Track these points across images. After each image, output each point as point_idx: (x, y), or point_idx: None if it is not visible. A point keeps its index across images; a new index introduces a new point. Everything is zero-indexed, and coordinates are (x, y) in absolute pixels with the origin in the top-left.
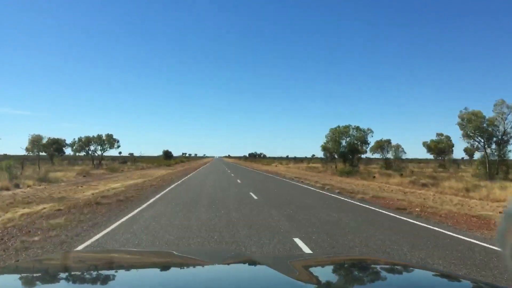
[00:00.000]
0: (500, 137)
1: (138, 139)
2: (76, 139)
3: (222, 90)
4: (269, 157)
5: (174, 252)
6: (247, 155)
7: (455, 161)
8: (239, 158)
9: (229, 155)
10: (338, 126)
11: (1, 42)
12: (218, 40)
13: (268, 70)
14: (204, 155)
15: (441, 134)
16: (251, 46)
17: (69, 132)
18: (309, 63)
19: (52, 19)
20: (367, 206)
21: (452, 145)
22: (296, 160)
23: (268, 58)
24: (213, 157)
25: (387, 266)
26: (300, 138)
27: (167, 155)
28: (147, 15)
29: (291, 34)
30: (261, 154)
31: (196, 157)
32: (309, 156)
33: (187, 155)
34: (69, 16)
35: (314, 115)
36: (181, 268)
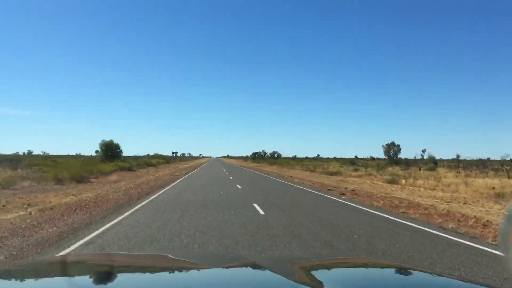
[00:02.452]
0: None
1: (137, 139)
2: None
3: (219, 86)
4: (288, 158)
5: (170, 255)
6: (254, 155)
7: None
8: (244, 159)
9: (228, 155)
10: None
11: (0, 42)
12: (215, 35)
13: (272, 58)
14: (200, 155)
15: None
16: (250, 36)
17: (69, 132)
18: (317, 50)
19: (51, 19)
20: None
21: None
22: (340, 160)
23: (270, 48)
24: (210, 157)
25: (389, 269)
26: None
27: (109, 151)
28: (145, 14)
29: (292, 28)
30: (274, 153)
31: (188, 158)
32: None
33: (178, 154)
34: (68, 16)
35: (331, 109)
36: (178, 272)
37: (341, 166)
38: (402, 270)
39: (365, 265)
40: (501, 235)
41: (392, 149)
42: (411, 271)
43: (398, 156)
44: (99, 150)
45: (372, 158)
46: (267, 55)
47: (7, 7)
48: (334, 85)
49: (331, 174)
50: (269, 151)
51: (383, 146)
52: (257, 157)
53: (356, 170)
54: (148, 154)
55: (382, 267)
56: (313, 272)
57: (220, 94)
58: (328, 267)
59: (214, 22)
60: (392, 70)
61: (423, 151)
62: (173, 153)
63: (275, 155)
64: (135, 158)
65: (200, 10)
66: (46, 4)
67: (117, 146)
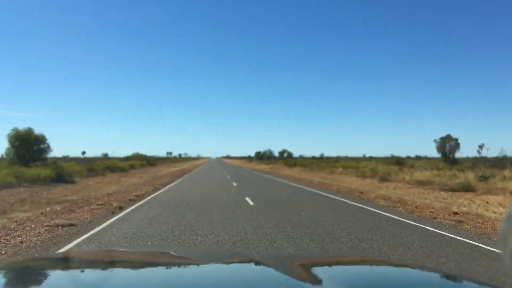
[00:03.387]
0: None
1: (137, 139)
2: None
3: (218, 86)
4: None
5: (172, 252)
6: (258, 155)
7: None
8: (248, 159)
9: (228, 155)
10: None
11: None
12: (214, 33)
13: (273, 56)
14: (199, 155)
15: None
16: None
17: (66, 134)
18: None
19: (48, 21)
20: None
21: None
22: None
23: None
24: (209, 157)
25: (389, 267)
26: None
27: (25, 148)
28: (144, 14)
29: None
30: (284, 152)
31: (185, 158)
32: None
33: (174, 155)
34: (65, 17)
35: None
36: (178, 268)
37: (399, 169)
38: (402, 269)
39: (365, 263)
40: (501, 234)
41: (448, 144)
42: (411, 269)
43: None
44: (9, 147)
45: (393, 156)
46: (268, 54)
47: (5, 9)
48: (335, 84)
49: (453, 190)
50: (269, 150)
51: (435, 140)
52: (264, 157)
53: (486, 179)
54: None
55: (382, 265)
56: (313, 269)
57: (219, 93)
58: (328, 265)
59: (214, 20)
60: (391, 67)
61: (481, 146)
62: (167, 153)
63: (285, 154)
64: (89, 160)
65: (202, 9)
66: (44, 6)
67: (40, 140)
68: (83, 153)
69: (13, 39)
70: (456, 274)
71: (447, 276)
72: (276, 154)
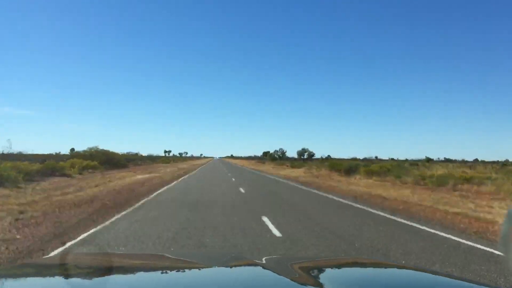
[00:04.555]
0: None
1: (139, 139)
2: None
3: (219, 82)
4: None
5: (169, 255)
6: (269, 155)
7: None
8: (258, 160)
9: (232, 155)
10: None
11: (2, 42)
12: (218, 30)
13: (273, 56)
14: (201, 155)
15: None
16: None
17: (71, 132)
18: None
19: (52, 19)
20: None
21: None
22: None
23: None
24: (212, 157)
25: (390, 269)
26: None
27: None
28: (146, 14)
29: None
30: (304, 152)
31: (186, 158)
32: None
33: (172, 154)
34: (69, 16)
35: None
36: (177, 272)
37: None
38: (402, 270)
39: (366, 265)
40: (501, 235)
41: None
42: (412, 271)
43: None
44: None
45: (428, 159)
46: (269, 51)
47: (6, 8)
48: (336, 83)
49: None
50: (281, 149)
51: None
52: (277, 157)
53: None
54: (141, 154)
55: (383, 267)
56: (314, 272)
57: (220, 92)
58: (329, 267)
59: (215, 18)
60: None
61: None
62: (165, 152)
63: (305, 154)
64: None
65: (201, 8)
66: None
67: None
68: (72, 150)
69: (16, 37)
70: (455, 276)
71: (447, 278)
72: (289, 153)
